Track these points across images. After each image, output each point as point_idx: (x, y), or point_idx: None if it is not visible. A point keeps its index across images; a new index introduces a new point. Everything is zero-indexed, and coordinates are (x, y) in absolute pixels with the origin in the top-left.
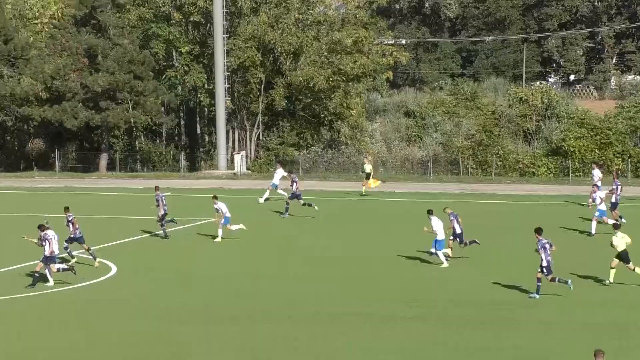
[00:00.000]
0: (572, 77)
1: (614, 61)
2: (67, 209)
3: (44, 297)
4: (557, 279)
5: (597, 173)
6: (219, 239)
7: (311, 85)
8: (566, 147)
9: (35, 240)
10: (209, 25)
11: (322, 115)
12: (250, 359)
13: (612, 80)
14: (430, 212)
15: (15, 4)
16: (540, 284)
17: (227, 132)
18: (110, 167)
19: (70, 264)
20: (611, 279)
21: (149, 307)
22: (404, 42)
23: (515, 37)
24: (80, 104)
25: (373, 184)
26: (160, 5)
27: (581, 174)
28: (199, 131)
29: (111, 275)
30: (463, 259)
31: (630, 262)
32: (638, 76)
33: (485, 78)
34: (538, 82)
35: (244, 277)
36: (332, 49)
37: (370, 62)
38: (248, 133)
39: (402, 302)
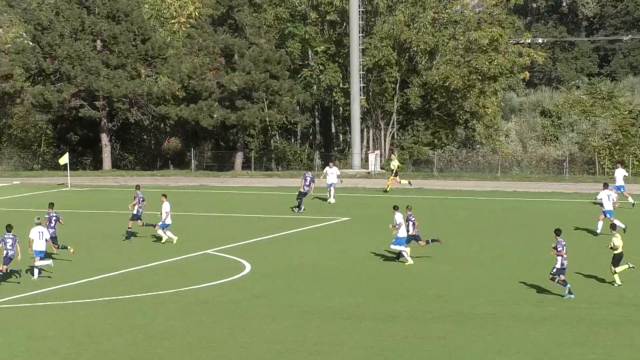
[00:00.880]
0: None
1: None
2: (51, 205)
3: (177, 295)
4: (565, 283)
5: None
6: (164, 239)
7: (447, 84)
8: None
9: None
10: (344, 24)
11: (457, 114)
12: (383, 357)
13: None
14: (395, 207)
15: (153, 4)
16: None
17: (362, 131)
18: (246, 165)
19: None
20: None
21: (284, 304)
22: (540, 41)
23: None
24: (216, 103)
25: (392, 182)
26: (297, 4)
27: None
28: (333, 130)
29: (245, 274)
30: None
31: (620, 265)
32: None
33: (623, 77)
34: None
35: (388, 276)
36: (468, 48)
37: (506, 62)
38: (382, 132)
39: (532, 303)
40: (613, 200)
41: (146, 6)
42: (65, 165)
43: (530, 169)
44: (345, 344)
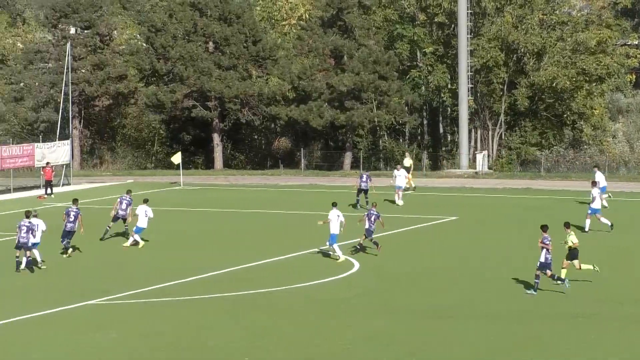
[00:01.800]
0: None
1: None
2: (75, 201)
3: (285, 292)
4: (554, 277)
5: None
6: (141, 244)
7: (554, 85)
8: None
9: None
10: (453, 25)
11: (565, 115)
12: (485, 356)
13: None
14: (334, 204)
15: (265, 6)
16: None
17: (470, 131)
18: (355, 165)
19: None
20: (596, 267)
21: (390, 302)
22: None
23: None
24: (326, 103)
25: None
26: (406, 6)
27: None
28: (441, 130)
29: (353, 272)
30: None
31: (576, 261)
32: None
33: None
34: None
35: (492, 276)
36: (576, 50)
37: (614, 63)
38: (490, 132)
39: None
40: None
41: (257, 8)
42: (178, 164)
43: (638, 169)
44: (450, 342)
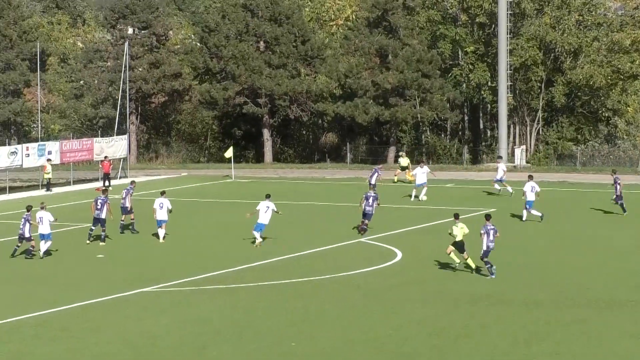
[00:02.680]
0: None
1: None
2: (104, 191)
3: (332, 281)
4: (488, 264)
5: (502, 167)
6: (161, 240)
7: (590, 83)
8: None
9: None
10: (493, 26)
11: (600, 111)
12: (524, 340)
13: None
14: (267, 196)
15: (313, 7)
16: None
17: (508, 127)
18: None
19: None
20: (457, 260)
21: (433, 290)
22: None
23: None
24: (371, 100)
25: (409, 176)
26: (448, 7)
27: None
28: (481, 126)
29: (397, 261)
30: None
31: (465, 253)
32: None
33: None
34: None
35: (533, 265)
36: (611, 49)
37: None
38: (528, 128)
39: None
40: (536, 191)
41: (306, 9)
42: (230, 158)
43: None
44: (491, 329)
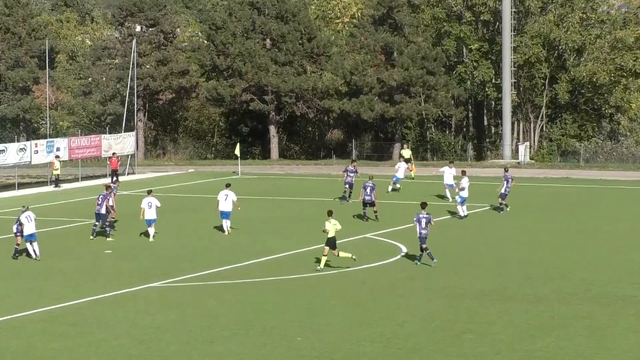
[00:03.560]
0: None
1: None
2: (107, 187)
3: (338, 276)
4: (426, 250)
5: (448, 170)
6: (151, 239)
7: (593, 80)
8: None
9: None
10: (497, 23)
11: (603, 108)
12: (528, 335)
13: None
14: (227, 185)
15: (319, 5)
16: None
17: (512, 123)
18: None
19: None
20: (354, 256)
21: (437, 286)
22: None
23: None
24: (376, 97)
25: (412, 171)
26: (453, 5)
27: None
28: (485, 123)
29: (402, 256)
30: None
31: (337, 249)
32: None
33: None
34: None
35: (536, 261)
36: (614, 46)
37: None
38: (532, 125)
39: None
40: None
41: (312, 7)
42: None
43: None
44: (495, 324)
